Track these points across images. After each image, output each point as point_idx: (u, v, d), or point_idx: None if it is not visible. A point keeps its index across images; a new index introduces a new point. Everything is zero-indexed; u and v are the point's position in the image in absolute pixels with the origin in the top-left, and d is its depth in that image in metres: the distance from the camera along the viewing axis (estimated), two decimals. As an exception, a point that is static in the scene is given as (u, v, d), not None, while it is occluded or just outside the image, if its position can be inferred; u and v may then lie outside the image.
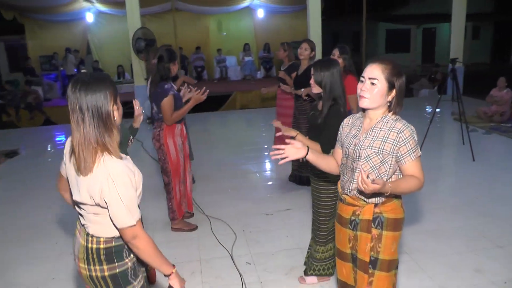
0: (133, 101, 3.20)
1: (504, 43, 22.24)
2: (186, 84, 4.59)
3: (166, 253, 3.74)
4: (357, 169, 2.09)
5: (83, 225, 1.84)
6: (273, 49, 14.15)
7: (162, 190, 4.83)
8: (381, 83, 2.01)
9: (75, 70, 13.45)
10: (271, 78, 14.10)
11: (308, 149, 2.23)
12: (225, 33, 16.27)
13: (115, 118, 1.75)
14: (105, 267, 1.81)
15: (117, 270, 1.82)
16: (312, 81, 2.96)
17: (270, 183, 5.60)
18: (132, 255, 1.86)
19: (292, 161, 5.35)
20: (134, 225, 1.72)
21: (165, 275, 1.86)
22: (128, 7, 9.48)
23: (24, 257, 3.85)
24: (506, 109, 7.90)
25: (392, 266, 2.14)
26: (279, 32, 14.77)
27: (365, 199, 2.11)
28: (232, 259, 3.63)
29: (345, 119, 2.29)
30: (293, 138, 2.84)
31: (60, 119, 11.01)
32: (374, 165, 2.05)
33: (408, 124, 2.04)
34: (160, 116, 3.90)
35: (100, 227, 1.79)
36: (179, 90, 4.24)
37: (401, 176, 2.07)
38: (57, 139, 9.24)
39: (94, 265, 1.81)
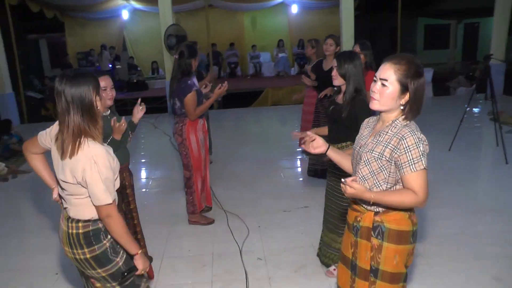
0: (139, 100, 3.28)
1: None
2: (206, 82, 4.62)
3: (180, 246, 3.87)
4: (357, 172, 2.02)
5: (65, 208, 2.03)
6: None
7: (182, 184, 4.90)
8: (393, 85, 1.86)
9: (110, 65, 13.84)
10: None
11: (329, 146, 2.19)
12: (257, 29, 16.25)
13: (98, 108, 1.96)
14: (86, 250, 1.99)
15: (97, 252, 2.00)
16: (334, 73, 2.95)
17: (292, 180, 5.57)
18: (109, 236, 2.03)
19: (309, 155, 5.37)
20: (110, 204, 1.91)
21: (130, 255, 2.07)
22: (160, 4, 9.64)
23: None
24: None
25: (397, 279, 1.99)
26: (314, 28, 14.62)
27: (364, 206, 2.02)
28: (240, 254, 3.64)
29: (365, 120, 2.19)
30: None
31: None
32: (373, 170, 1.93)
33: (416, 132, 1.85)
34: (183, 111, 3.95)
35: (79, 209, 1.97)
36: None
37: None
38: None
39: (76, 248, 2.00)
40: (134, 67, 14.09)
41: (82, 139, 1.89)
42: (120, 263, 2.07)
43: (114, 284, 2.09)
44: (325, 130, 3.19)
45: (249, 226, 4.15)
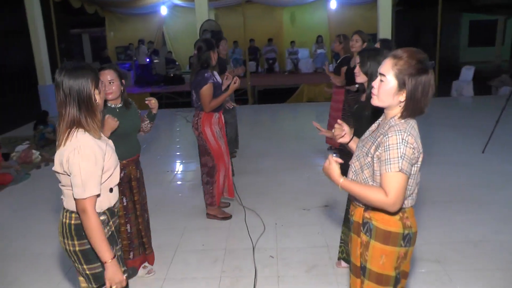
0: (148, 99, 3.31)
1: None
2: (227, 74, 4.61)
3: (195, 239, 3.91)
4: (352, 165, 2.00)
5: (61, 199, 2.03)
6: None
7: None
8: (390, 81, 1.78)
9: (147, 60, 14.14)
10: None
11: (352, 138, 2.21)
12: (296, 25, 16.12)
13: (97, 101, 1.95)
14: (76, 242, 1.97)
15: (86, 246, 1.96)
16: (357, 70, 2.88)
17: (317, 177, 5.48)
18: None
19: (338, 154, 5.28)
20: (84, 199, 1.85)
21: (102, 262, 1.93)
22: (196, 0, 9.73)
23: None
24: None
25: (382, 280, 1.91)
26: (354, 24, 14.26)
27: (355, 201, 1.99)
28: (253, 251, 3.63)
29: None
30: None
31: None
32: (362, 165, 1.91)
33: (403, 132, 1.74)
34: (199, 104, 3.99)
35: (70, 200, 1.95)
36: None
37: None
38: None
39: (67, 239, 1.98)
40: (172, 61, 14.33)
41: (73, 129, 1.89)
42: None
43: (95, 286, 2.03)
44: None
45: (265, 223, 4.13)
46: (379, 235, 1.88)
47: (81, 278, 2.13)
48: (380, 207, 1.80)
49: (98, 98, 1.96)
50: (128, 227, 3.17)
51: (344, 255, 3.23)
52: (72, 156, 1.84)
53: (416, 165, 1.81)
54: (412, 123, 1.82)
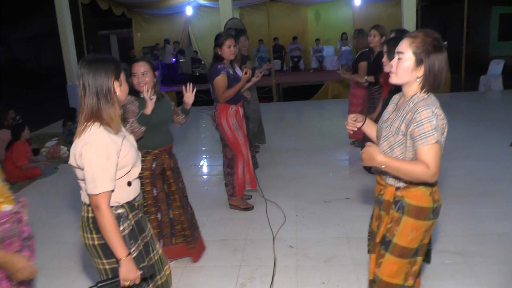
0: (187, 86, 3.28)
1: None
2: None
3: (217, 229, 3.99)
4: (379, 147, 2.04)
5: (81, 193, 1.99)
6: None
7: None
8: (408, 58, 1.90)
9: (173, 59, 14.35)
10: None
11: (365, 120, 2.24)
12: (321, 23, 16.04)
13: (117, 94, 1.91)
14: (94, 236, 1.92)
15: (105, 240, 1.88)
16: (385, 59, 2.89)
17: (339, 171, 5.48)
18: (121, 228, 1.92)
19: (362, 148, 5.24)
20: (96, 195, 1.81)
21: (116, 259, 1.89)
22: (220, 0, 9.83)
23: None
24: None
25: (406, 254, 2.01)
26: (378, 20, 13.87)
27: (386, 180, 2.05)
28: (273, 241, 3.66)
29: (393, 96, 2.21)
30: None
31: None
32: (391, 145, 1.98)
33: (431, 106, 1.85)
34: (215, 96, 4.09)
35: (85, 194, 1.92)
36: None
37: None
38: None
39: (86, 233, 1.94)
40: (197, 61, 14.50)
41: (89, 123, 1.85)
42: None
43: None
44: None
45: (286, 214, 4.16)
46: (412, 212, 1.96)
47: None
48: (422, 180, 1.87)
49: (118, 90, 1.91)
50: (159, 215, 3.21)
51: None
52: (84, 150, 1.80)
53: (443, 135, 1.90)
54: (433, 97, 1.93)
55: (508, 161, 5.23)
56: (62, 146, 6.66)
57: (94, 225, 1.91)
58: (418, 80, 1.91)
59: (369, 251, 3.25)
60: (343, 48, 14.92)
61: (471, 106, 8.86)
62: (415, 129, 1.85)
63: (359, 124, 2.23)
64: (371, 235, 2.25)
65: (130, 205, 1.99)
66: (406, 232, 1.98)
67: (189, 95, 3.24)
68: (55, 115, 9.95)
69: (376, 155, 1.88)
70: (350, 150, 6.26)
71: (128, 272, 1.87)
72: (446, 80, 1.84)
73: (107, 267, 1.97)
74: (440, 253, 3.29)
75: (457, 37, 12.01)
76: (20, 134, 5.90)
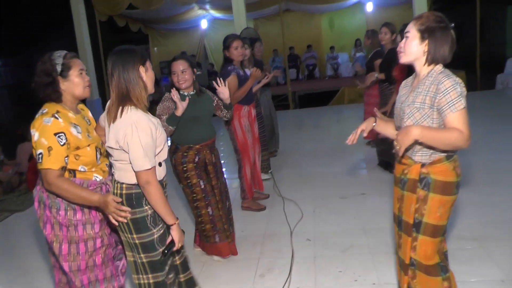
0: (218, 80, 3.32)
1: None
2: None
3: (235, 226, 4.05)
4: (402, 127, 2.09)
5: (112, 173, 2.16)
6: (385, 43, 13.67)
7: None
8: (412, 35, 2.01)
9: (189, 72, 14.52)
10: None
11: (376, 120, 2.28)
12: (335, 30, 16.12)
13: (144, 78, 2.05)
14: None
15: (137, 216, 2.07)
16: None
17: (355, 169, 5.53)
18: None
19: (376, 146, 5.30)
20: (149, 169, 1.97)
21: (167, 225, 2.12)
22: (235, 12, 10.05)
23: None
24: None
25: (438, 231, 2.07)
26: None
27: (412, 158, 2.09)
28: (291, 234, 3.74)
29: (403, 82, 2.29)
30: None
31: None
32: (417, 120, 2.01)
33: (452, 75, 1.95)
34: None
35: (123, 173, 2.07)
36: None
37: None
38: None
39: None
40: (214, 73, 14.72)
41: (125, 105, 1.99)
42: (156, 235, 2.11)
43: (142, 255, 2.13)
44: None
45: (304, 210, 4.24)
46: (438, 187, 2.03)
47: (128, 253, 2.20)
48: (457, 146, 1.92)
49: (144, 76, 2.05)
50: (210, 209, 3.24)
51: None
52: (130, 131, 1.94)
53: None
54: (449, 71, 2.01)
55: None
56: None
57: (127, 201, 2.07)
58: (425, 54, 2.00)
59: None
60: (357, 54, 14.96)
61: (488, 103, 8.80)
62: (442, 98, 1.92)
63: (365, 134, 2.29)
64: (394, 218, 2.29)
65: (160, 183, 2.11)
66: (434, 209, 2.04)
67: (222, 89, 3.28)
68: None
69: (411, 128, 1.91)
70: (366, 150, 6.30)
71: (180, 235, 2.12)
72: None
73: (137, 241, 2.11)
74: (456, 239, 3.32)
75: (471, 38, 11.94)
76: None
